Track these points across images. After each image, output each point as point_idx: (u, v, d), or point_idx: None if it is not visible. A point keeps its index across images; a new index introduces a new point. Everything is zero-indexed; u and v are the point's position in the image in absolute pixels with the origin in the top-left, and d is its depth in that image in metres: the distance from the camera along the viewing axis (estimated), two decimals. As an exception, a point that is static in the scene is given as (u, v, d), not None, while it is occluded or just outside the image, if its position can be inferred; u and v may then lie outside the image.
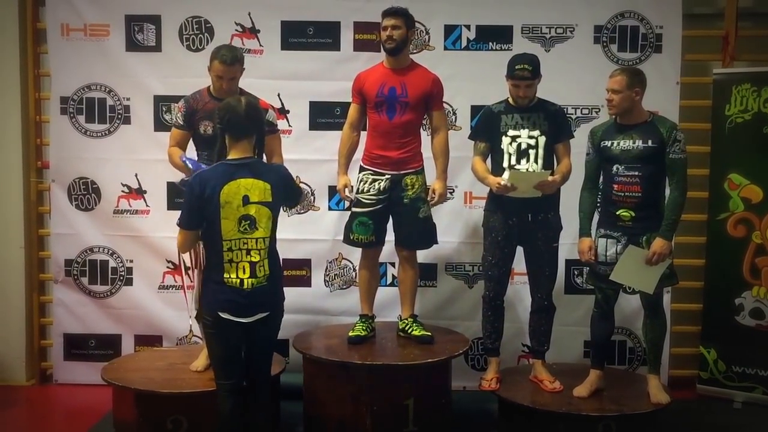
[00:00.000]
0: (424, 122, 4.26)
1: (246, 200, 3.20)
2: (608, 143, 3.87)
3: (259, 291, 3.23)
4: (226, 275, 3.21)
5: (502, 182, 3.87)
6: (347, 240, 4.21)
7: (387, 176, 4.09)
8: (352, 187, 4.17)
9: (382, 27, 4.05)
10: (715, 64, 4.78)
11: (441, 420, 4.03)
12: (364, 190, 4.11)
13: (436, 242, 4.28)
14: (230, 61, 3.80)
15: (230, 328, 3.23)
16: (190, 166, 3.75)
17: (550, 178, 3.91)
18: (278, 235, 4.55)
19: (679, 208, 3.80)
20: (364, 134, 4.25)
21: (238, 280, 3.19)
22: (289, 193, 3.42)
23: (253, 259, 3.21)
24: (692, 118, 4.74)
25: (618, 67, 4.21)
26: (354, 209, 4.17)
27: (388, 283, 4.77)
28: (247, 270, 3.20)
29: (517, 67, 3.92)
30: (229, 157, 3.28)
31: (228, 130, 3.28)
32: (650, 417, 3.85)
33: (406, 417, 3.89)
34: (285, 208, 3.94)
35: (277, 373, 4.07)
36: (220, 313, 3.21)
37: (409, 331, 4.23)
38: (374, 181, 4.10)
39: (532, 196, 3.91)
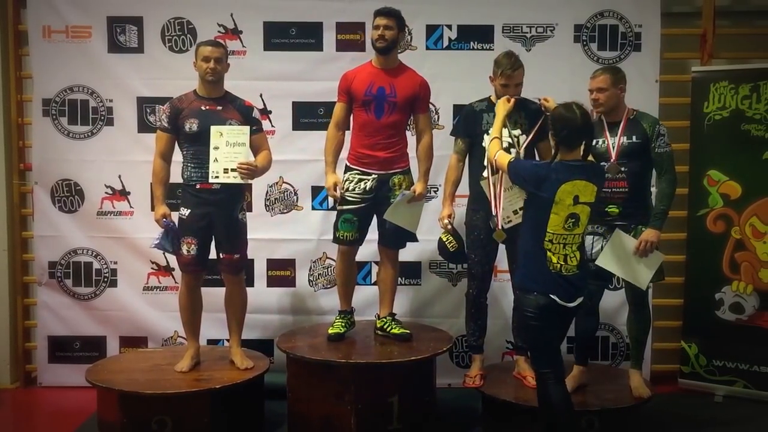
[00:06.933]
0: (409, 124, 4.27)
1: (576, 200, 3.32)
2: (594, 141, 3.90)
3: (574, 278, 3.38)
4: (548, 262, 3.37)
5: (444, 221, 4.09)
6: (336, 239, 4.21)
7: (374, 176, 4.10)
8: (343, 184, 4.17)
9: (373, 25, 4.05)
10: (694, 62, 4.84)
11: (426, 417, 4.05)
12: (350, 189, 4.13)
13: (416, 240, 4.30)
14: (214, 43, 4.09)
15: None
16: (163, 226, 4.01)
17: None
18: (261, 235, 4.65)
19: (668, 198, 3.84)
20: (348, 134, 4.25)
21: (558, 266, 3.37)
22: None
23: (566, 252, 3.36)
24: (671, 115, 4.78)
25: (599, 68, 4.23)
26: (339, 207, 4.18)
27: (372, 282, 4.79)
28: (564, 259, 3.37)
29: (509, 67, 3.95)
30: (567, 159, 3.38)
31: (564, 143, 3.38)
32: (632, 411, 3.89)
33: (390, 414, 3.90)
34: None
35: (261, 373, 4.10)
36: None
37: (388, 329, 4.23)
38: (360, 180, 4.11)
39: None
